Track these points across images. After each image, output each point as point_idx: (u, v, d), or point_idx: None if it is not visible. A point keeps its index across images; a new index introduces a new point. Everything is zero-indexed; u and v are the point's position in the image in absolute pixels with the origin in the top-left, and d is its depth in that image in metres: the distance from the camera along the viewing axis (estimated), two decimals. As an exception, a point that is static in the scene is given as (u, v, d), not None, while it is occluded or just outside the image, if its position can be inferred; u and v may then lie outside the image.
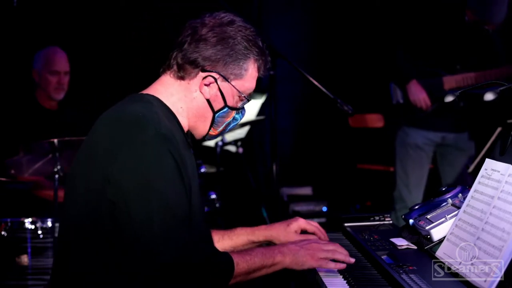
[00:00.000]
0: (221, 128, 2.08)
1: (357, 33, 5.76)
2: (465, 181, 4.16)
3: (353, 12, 5.86)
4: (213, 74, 1.98)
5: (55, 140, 3.49)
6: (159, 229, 1.75)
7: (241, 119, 2.13)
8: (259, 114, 4.99)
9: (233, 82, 2.01)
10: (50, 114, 4.21)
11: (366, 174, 5.62)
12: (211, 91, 2.00)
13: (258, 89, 4.91)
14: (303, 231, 2.32)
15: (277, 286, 3.66)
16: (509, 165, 1.80)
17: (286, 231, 2.26)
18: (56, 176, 3.55)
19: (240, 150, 4.94)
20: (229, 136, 4.83)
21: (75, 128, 4.16)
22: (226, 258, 1.87)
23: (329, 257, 1.97)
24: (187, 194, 1.87)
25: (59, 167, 3.55)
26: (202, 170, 4.12)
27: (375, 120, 5.35)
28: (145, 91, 2.04)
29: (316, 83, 3.31)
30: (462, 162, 4.35)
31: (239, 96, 2.04)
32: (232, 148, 5.00)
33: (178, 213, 1.80)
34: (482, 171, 1.92)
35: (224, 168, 4.89)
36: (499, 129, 3.60)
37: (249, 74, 2.03)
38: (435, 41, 4.19)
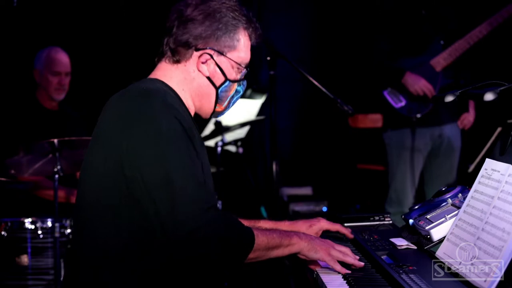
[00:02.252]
0: (226, 103, 2.10)
1: (357, 33, 5.76)
2: (454, 181, 4.16)
3: (353, 12, 5.86)
4: (208, 50, 2.00)
5: (55, 140, 3.49)
6: (180, 190, 1.75)
7: (243, 90, 2.13)
8: (259, 114, 4.99)
9: (228, 55, 2.03)
10: (50, 114, 4.21)
11: (366, 174, 5.62)
12: (209, 68, 2.02)
13: (258, 89, 4.92)
14: (325, 232, 2.32)
15: (277, 285, 3.67)
16: (509, 165, 1.80)
17: (308, 231, 2.26)
18: (56, 176, 3.55)
19: (240, 150, 4.94)
20: (229, 136, 4.83)
21: (75, 128, 4.17)
22: (247, 227, 1.87)
23: (339, 258, 1.98)
24: (199, 160, 1.89)
25: (59, 167, 3.54)
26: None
27: (375, 120, 5.34)
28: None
29: (316, 83, 3.31)
30: (451, 162, 4.33)
31: (238, 68, 2.06)
32: (232, 148, 4.99)
33: (196, 175, 1.81)
34: (482, 171, 1.92)
35: (224, 168, 4.89)
36: (499, 129, 3.60)
37: (242, 43, 2.05)
38: (411, 26, 4.18)
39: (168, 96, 1.91)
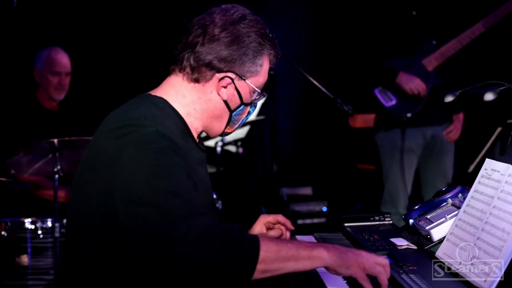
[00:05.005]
0: (237, 126, 2.07)
1: (357, 33, 5.76)
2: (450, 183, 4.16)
3: (353, 12, 5.85)
4: (230, 74, 1.95)
5: (55, 140, 3.49)
6: (176, 218, 1.67)
7: (253, 111, 2.11)
8: (259, 114, 4.99)
9: (249, 80, 1.98)
10: (50, 114, 4.21)
11: (366, 174, 5.62)
12: (228, 92, 1.97)
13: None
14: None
15: (277, 285, 3.66)
16: (509, 165, 1.80)
17: (251, 231, 2.21)
18: (56, 176, 3.55)
19: (240, 150, 4.94)
20: (229, 136, 4.82)
21: (75, 128, 4.17)
22: (251, 235, 1.79)
23: (374, 274, 1.74)
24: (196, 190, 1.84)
25: (59, 167, 3.55)
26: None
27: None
28: (154, 92, 1.99)
29: (316, 83, 3.31)
30: (444, 164, 4.32)
31: (254, 92, 2.02)
32: (232, 148, 4.99)
33: (194, 203, 1.74)
34: (482, 171, 1.92)
35: (224, 168, 4.89)
36: (499, 129, 3.60)
37: (264, 69, 2.01)
38: (404, 27, 4.18)
39: (164, 125, 1.83)
